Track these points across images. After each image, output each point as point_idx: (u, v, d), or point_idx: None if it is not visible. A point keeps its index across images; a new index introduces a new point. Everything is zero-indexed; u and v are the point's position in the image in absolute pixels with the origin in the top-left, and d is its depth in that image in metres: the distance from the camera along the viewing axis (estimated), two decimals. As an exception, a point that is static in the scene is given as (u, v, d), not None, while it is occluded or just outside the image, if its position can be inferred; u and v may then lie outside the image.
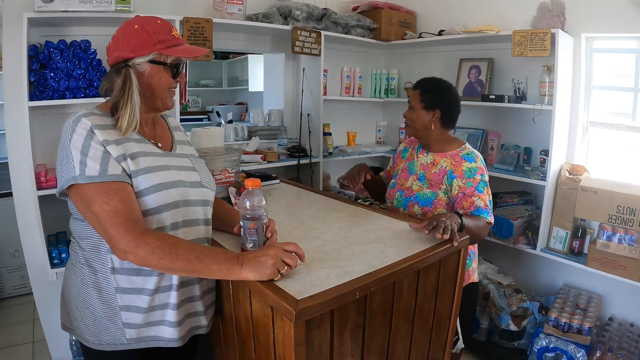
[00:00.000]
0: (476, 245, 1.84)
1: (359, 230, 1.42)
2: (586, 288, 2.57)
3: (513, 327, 2.44)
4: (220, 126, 3.18)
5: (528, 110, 2.57)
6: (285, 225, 1.47)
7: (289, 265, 1.05)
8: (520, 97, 2.67)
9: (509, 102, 2.57)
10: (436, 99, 1.73)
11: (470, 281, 1.77)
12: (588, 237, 2.41)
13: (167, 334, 1.13)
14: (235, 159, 1.84)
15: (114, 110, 1.09)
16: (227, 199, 1.68)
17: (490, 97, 2.59)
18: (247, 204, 1.13)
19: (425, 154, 1.81)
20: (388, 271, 1.10)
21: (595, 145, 2.60)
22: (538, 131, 2.59)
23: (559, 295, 2.51)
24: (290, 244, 1.09)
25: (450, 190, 1.70)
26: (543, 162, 2.54)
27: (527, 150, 2.69)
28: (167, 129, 1.29)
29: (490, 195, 1.69)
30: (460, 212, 1.61)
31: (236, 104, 5.89)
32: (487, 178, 1.70)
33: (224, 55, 6.02)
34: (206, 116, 5.70)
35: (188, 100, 2.50)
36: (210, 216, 1.26)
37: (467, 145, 1.78)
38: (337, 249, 1.26)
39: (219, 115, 4.71)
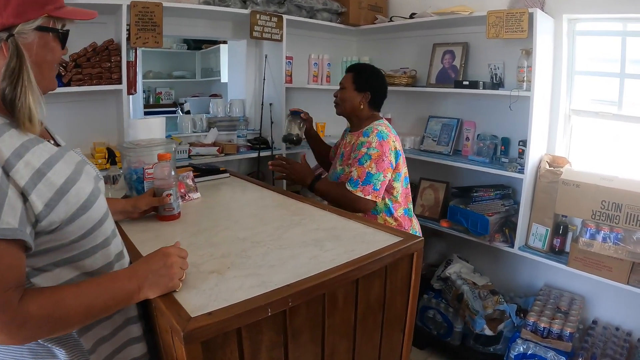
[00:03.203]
0: (410, 204, 1.86)
1: (297, 230, 1.21)
2: (568, 289, 2.39)
3: (488, 332, 2.26)
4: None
5: (505, 98, 2.38)
6: (215, 224, 1.26)
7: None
8: (498, 84, 2.48)
9: (484, 88, 2.37)
10: (367, 82, 1.84)
11: None
12: (570, 235, 2.23)
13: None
14: (171, 150, 1.62)
15: (5, 102, 0.76)
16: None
17: (464, 83, 2.40)
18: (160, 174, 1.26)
19: (349, 133, 1.91)
20: (314, 282, 0.89)
21: (577, 135, 2.42)
22: (516, 120, 2.40)
23: (538, 297, 2.33)
24: (181, 249, 0.91)
25: None
26: (521, 154, 2.35)
27: (504, 141, 2.50)
28: None
29: (375, 170, 1.66)
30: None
31: (210, 96, 5.67)
32: (374, 152, 1.67)
33: (197, 46, 5.79)
34: (178, 108, 5.47)
35: (136, 91, 2.28)
36: None
37: (379, 122, 1.81)
38: (264, 253, 1.05)
39: (177, 105, 4.47)
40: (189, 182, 1.60)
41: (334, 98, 1.92)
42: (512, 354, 2.16)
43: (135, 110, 3.96)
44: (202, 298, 0.83)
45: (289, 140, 2.08)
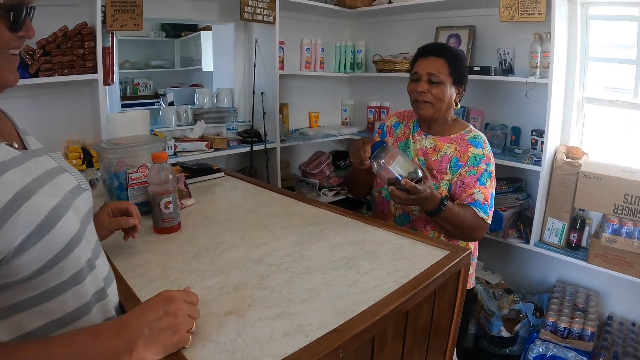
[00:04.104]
0: (477, 247, 1.49)
1: (320, 246, 1.02)
2: (582, 284, 2.28)
3: (505, 334, 2.13)
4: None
5: (516, 85, 2.23)
6: (218, 241, 1.05)
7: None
8: (507, 70, 2.32)
9: (495, 74, 2.21)
10: (464, 73, 1.39)
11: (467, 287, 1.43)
12: (587, 229, 2.11)
13: None
14: (159, 149, 1.39)
15: None
16: (146, 203, 1.23)
17: (475, 69, 2.22)
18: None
19: (424, 136, 1.43)
20: (365, 322, 0.70)
21: (590, 125, 2.28)
22: (528, 108, 2.26)
23: (554, 294, 2.21)
24: (191, 294, 0.70)
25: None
26: (534, 144, 2.21)
27: (515, 130, 2.35)
28: (2, 116, 0.78)
29: (494, 189, 1.35)
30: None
31: (191, 86, 5.39)
32: (492, 168, 1.36)
33: (175, 34, 5.49)
34: (158, 100, 5.16)
35: (113, 81, 2.04)
36: None
37: (472, 127, 1.44)
38: (288, 281, 0.85)
39: (157, 96, 4.18)
40: (181, 186, 1.38)
41: (419, 95, 1.34)
42: (530, 355, 2.04)
43: (112, 103, 3.67)
44: (224, 356, 0.62)
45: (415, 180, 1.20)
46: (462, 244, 1.38)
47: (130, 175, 1.26)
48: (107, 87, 2.00)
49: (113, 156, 1.30)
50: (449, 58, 1.34)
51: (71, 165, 0.78)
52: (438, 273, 0.87)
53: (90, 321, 0.66)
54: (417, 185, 1.12)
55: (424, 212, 1.26)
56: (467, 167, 1.33)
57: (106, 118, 1.57)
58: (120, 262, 0.94)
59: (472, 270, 1.47)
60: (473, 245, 1.44)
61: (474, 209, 1.30)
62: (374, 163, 1.18)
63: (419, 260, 0.93)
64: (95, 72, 1.91)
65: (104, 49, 1.95)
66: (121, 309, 0.76)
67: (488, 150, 1.37)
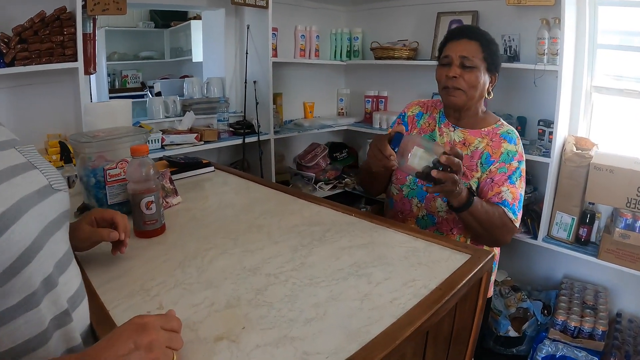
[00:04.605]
0: (498, 253, 1.36)
1: (324, 250, 0.90)
2: (590, 280, 2.20)
3: (513, 333, 2.04)
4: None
5: (523, 73, 2.12)
6: (207, 246, 0.93)
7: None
8: (512, 57, 2.21)
9: (502, 61, 2.09)
10: (498, 59, 1.25)
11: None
12: (597, 223, 2.01)
13: None
14: (141, 141, 1.25)
15: None
16: (126, 203, 1.10)
17: (480, 55, 2.10)
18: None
19: (453, 129, 1.28)
20: (386, 347, 0.58)
21: (598, 114, 2.18)
22: (534, 97, 2.16)
23: (561, 290, 2.12)
24: (171, 318, 0.57)
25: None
26: (542, 134, 2.10)
27: (520, 120, 2.24)
28: None
29: (523, 190, 1.22)
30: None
31: (181, 77, 5.22)
32: (524, 167, 1.23)
33: (165, 24, 5.32)
34: (147, 91, 5.00)
35: (95, 70, 1.90)
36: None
37: (503, 121, 1.30)
38: (289, 295, 0.73)
39: (145, 87, 4.03)
40: (166, 182, 1.25)
41: (450, 80, 1.20)
42: (538, 355, 1.95)
43: (100, 95, 3.53)
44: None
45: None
46: (486, 248, 1.27)
47: (108, 171, 1.12)
48: (89, 77, 1.87)
49: (89, 150, 1.16)
50: (482, 41, 1.20)
51: (46, 161, 0.65)
52: (462, 282, 0.76)
53: (48, 353, 0.54)
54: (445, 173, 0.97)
55: (450, 207, 1.11)
56: (498, 164, 1.20)
57: (84, 108, 1.42)
58: (94, 273, 0.81)
59: (493, 277, 1.36)
60: (496, 250, 1.32)
61: (503, 208, 1.16)
62: (397, 156, 1.01)
63: (438, 267, 0.82)
64: (76, 60, 1.79)
65: (84, 35, 1.83)
66: (92, 333, 0.63)
67: (521, 147, 1.24)
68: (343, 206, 1.15)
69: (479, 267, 0.81)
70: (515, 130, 1.26)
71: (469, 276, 0.78)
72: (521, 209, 1.20)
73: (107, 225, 0.85)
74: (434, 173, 0.95)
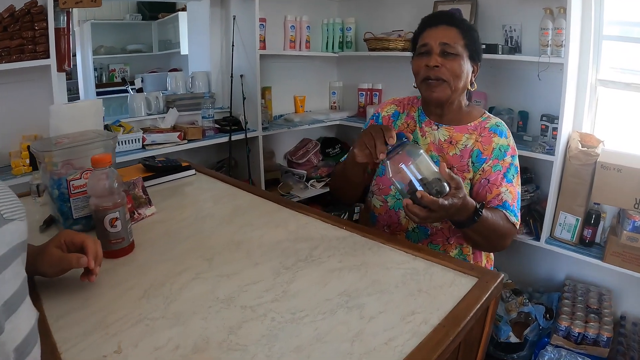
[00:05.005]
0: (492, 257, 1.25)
1: (310, 273, 0.79)
2: (593, 282, 2.11)
3: (514, 339, 1.95)
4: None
5: (525, 65, 2.01)
6: (181, 266, 0.82)
7: None
8: (514, 49, 2.10)
9: (503, 53, 1.98)
10: (479, 47, 1.13)
11: None
12: (602, 224, 1.92)
13: None
14: (108, 148, 1.13)
15: None
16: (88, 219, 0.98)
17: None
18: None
19: (436, 127, 1.16)
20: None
21: (603, 109, 2.08)
22: (537, 91, 2.06)
23: (564, 293, 2.03)
24: None
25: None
26: (544, 130, 2.00)
27: (522, 115, 2.13)
28: None
29: (520, 187, 1.11)
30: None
31: (170, 71, 5.08)
32: (517, 161, 1.12)
33: (152, 16, 5.16)
34: (128, 86, 4.85)
35: (70, 67, 1.78)
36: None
37: (487, 112, 1.19)
38: (268, 334, 0.62)
39: (126, 82, 3.90)
40: (138, 192, 1.13)
41: (431, 70, 1.08)
42: (540, 362, 1.87)
43: (87, 91, 3.41)
44: None
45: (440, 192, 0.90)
46: (484, 255, 1.17)
47: (71, 182, 1.01)
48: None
49: (50, 159, 1.04)
50: (462, 27, 1.09)
51: (2, 184, 0.53)
52: (468, 316, 0.65)
53: None
54: (439, 199, 0.82)
55: (452, 223, 1.00)
56: (491, 161, 1.09)
57: (49, 111, 1.30)
58: (51, 303, 0.71)
59: None
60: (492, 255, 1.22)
61: (504, 212, 1.05)
62: (388, 163, 0.89)
63: (440, 295, 0.71)
64: (48, 57, 1.69)
65: (58, 30, 1.72)
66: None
67: (512, 139, 1.13)
68: (333, 217, 1.04)
69: (487, 295, 0.71)
70: (503, 122, 1.15)
71: (477, 307, 0.67)
72: (520, 209, 1.09)
73: (76, 250, 0.75)
74: (419, 194, 0.82)
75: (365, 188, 1.24)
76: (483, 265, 1.17)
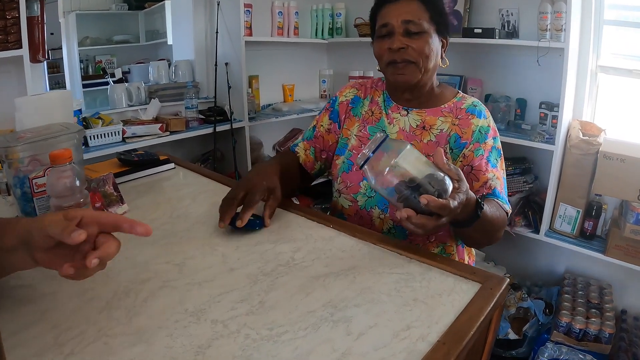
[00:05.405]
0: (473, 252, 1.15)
1: (292, 280, 0.70)
2: (593, 275, 2.05)
3: (513, 336, 1.89)
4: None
5: (523, 50, 1.93)
6: (148, 273, 0.73)
7: None
8: (511, 33, 2.01)
9: (500, 37, 1.89)
10: (447, 18, 1.02)
11: None
12: (603, 216, 1.85)
13: None
14: (73, 142, 1.03)
15: None
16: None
17: (476, 31, 1.90)
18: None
19: (405, 112, 1.05)
20: None
21: (604, 97, 2.00)
22: (535, 78, 1.97)
23: (564, 287, 1.97)
24: None
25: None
26: (543, 118, 1.92)
27: (520, 103, 2.05)
28: None
29: (505, 171, 1.01)
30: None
31: (158, 61, 4.95)
32: (499, 143, 1.01)
33: (139, 5, 5.01)
34: (108, 77, 4.73)
35: (45, 57, 1.69)
36: None
37: (461, 92, 1.08)
38: (241, 356, 0.53)
39: (105, 73, 3.78)
40: (109, 189, 1.03)
41: (396, 53, 0.97)
42: (540, 358, 1.80)
43: (73, 83, 3.31)
44: None
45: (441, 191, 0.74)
46: (466, 251, 1.08)
47: (34, 180, 0.91)
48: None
49: (14, 155, 0.95)
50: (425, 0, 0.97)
51: None
52: (471, 331, 0.56)
53: None
54: (449, 200, 0.68)
55: (450, 224, 0.81)
56: (472, 145, 0.97)
57: (15, 103, 1.20)
58: (6, 316, 0.61)
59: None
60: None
61: (496, 200, 0.93)
62: (366, 168, 0.72)
63: (439, 304, 0.63)
64: (20, 47, 1.61)
65: (31, 19, 1.66)
66: None
67: (492, 120, 1.02)
68: (320, 214, 0.95)
69: (492, 305, 0.62)
70: (480, 102, 1.04)
71: (480, 320, 0.59)
72: (507, 194, 1.00)
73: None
74: (424, 201, 0.67)
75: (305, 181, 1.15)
76: (466, 262, 1.08)
